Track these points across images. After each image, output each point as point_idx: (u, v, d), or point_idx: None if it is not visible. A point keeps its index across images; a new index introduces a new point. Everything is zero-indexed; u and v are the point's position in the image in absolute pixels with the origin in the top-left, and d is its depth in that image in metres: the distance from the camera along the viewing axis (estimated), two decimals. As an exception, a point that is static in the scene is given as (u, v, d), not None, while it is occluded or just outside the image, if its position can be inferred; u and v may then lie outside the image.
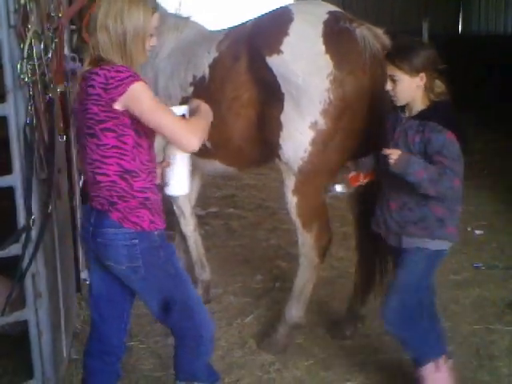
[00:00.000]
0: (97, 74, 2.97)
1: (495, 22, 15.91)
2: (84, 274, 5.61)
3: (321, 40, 3.96)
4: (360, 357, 4.49)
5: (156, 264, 3.17)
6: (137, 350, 4.58)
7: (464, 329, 4.83)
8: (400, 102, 3.58)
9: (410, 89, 3.52)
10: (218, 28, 4.99)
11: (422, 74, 3.47)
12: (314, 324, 4.92)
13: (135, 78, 2.97)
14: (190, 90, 4.55)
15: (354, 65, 3.96)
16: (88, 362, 3.45)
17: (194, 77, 4.53)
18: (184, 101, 4.37)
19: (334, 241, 6.55)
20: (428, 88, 3.52)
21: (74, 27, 5.54)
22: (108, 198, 3.08)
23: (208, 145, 4.31)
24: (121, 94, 2.92)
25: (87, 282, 5.53)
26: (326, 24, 4.03)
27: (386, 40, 4.08)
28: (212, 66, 4.41)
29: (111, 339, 3.41)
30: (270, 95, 4.11)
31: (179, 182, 3.34)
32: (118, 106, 2.95)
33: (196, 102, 3.36)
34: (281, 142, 4.14)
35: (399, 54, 3.51)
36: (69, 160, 5.03)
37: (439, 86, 3.55)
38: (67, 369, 4.31)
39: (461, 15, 16.95)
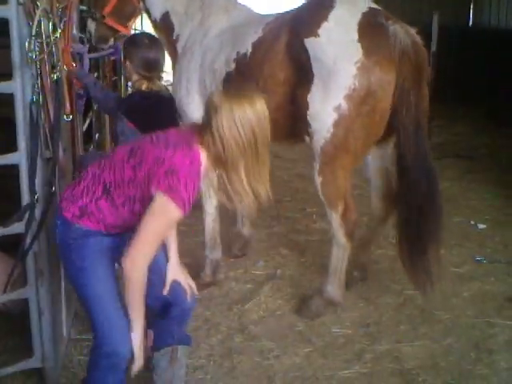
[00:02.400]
0: None
1: (506, 16, 15.78)
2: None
3: (356, 28, 4.23)
4: (358, 346, 4.50)
5: None
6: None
7: (464, 322, 4.83)
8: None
9: (127, 71, 4.29)
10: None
11: (127, 62, 4.20)
12: (313, 312, 4.94)
13: None
14: (233, 65, 4.84)
15: (381, 56, 4.21)
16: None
17: (238, 53, 4.82)
18: (227, 76, 4.81)
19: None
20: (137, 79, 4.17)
21: (83, 7, 5.54)
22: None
23: None
24: None
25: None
26: (364, 15, 4.32)
27: (418, 38, 4.37)
28: (254, 45, 4.69)
29: None
30: (301, 75, 4.39)
31: None
32: None
33: None
34: (309, 119, 4.42)
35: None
36: (73, 140, 5.02)
37: (157, 85, 4.16)
38: (67, 348, 4.33)
39: (472, 8, 16.85)
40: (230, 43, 4.96)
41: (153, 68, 4.07)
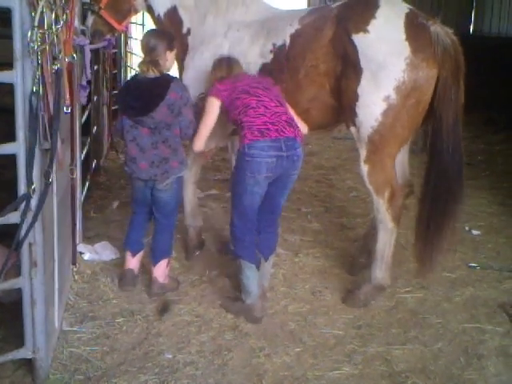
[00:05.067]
0: None
1: (507, 24, 15.80)
2: (80, 248, 5.63)
3: (402, 29, 4.61)
4: (349, 347, 4.51)
5: None
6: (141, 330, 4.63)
7: (455, 327, 4.85)
8: None
9: None
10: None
11: None
12: (305, 312, 4.96)
13: None
14: (270, 56, 5.13)
15: (427, 54, 4.60)
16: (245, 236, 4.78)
17: (274, 45, 5.10)
18: (263, 67, 5.12)
19: (330, 231, 6.61)
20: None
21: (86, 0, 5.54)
22: (296, 128, 4.61)
23: None
24: None
25: (83, 256, 5.57)
26: (407, 16, 4.69)
27: (455, 38, 4.75)
28: (293, 36, 5.02)
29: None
30: (348, 68, 4.74)
31: None
32: None
33: None
34: (357, 110, 4.75)
35: None
36: (72, 132, 5.03)
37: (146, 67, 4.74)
38: (58, 340, 4.34)
39: (473, 15, 16.86)
40: (261, 36, 5.17)
41: (144, 52, 4.73)
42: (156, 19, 5.59)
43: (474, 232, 6.86)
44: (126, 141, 4.82)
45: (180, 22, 5.48)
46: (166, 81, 4.69)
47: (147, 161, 4.77)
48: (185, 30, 5.48)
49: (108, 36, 5.57)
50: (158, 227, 5.08)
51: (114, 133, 4.93)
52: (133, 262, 5.17)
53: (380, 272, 5.03)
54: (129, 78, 4.92)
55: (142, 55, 4.83)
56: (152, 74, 4.68)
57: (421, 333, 4.74)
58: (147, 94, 4.65)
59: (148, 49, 4.71)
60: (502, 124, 12.26)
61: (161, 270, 5.06)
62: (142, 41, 4.81)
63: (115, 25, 5.39)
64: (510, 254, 6.32)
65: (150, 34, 4.89)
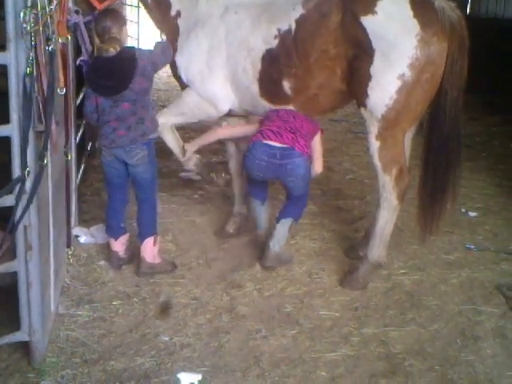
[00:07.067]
0: None
1: (504, 6, 15.72)
2: (75, 231, 5.61)
3: (408, 6, 4.65)
4: (345, 329, 4.52)
5: None
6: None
7: (451, 308, 4.86)
8: None
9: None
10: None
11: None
12: (302, 294, 4.96)
13: None
14: (275, 42, 5.04)
15: (436, 28, 4.64)
16: None
17: (279, 30, 5.00)
18: (267, 53, 5.03)
19: (327, 214, 6.60)
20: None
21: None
22: (300, 138, 5.04)
23: (289, 92, 5.10)
24: None
25: (79, 239, 5.56)
26: None
27: (459, 12, 4.80)
28: (298, 21, 4.95)
29: None
30: (359, 51, 4.75)
31: None
32: None
33: None
34: (369, 91, 4.76)
35: None
36: (66, 114, 4.99)
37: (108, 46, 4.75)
38: (54, 323, 4.33)
39: (470, -4, 16.77)
40: (263, 21, 5.08)
41: (102, 35, 4.76)
42: (142, 1, 5.57)
43: (471, 214, 6.86)
44: (106, 120, 4.82)
45: (168, 5, 5.43)
46: (131, 53, 4.76)
47: (125, 127, 4.81)
48: (174, 13, 5.42)
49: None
50: (139, 204, 5.12)
51: (87, 117, 5.00)
52: (116, 245, 5.22)
53: (377, 250, 5.05)
54: (91, 61, 4.96)
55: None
56: (113, 50, 4.70)
57: (417, 314, 4.75)
58: (118, 70, 4.71)
59: (107, 31, 4.74)
60: (500, 106, 12.22)
61: (147, 249, 5.10)
62: (98, 26, 4.83)
63: (96, 4, 5.36)
64: (507, 235, 6.33)
65: (103, 18, 4.84)
